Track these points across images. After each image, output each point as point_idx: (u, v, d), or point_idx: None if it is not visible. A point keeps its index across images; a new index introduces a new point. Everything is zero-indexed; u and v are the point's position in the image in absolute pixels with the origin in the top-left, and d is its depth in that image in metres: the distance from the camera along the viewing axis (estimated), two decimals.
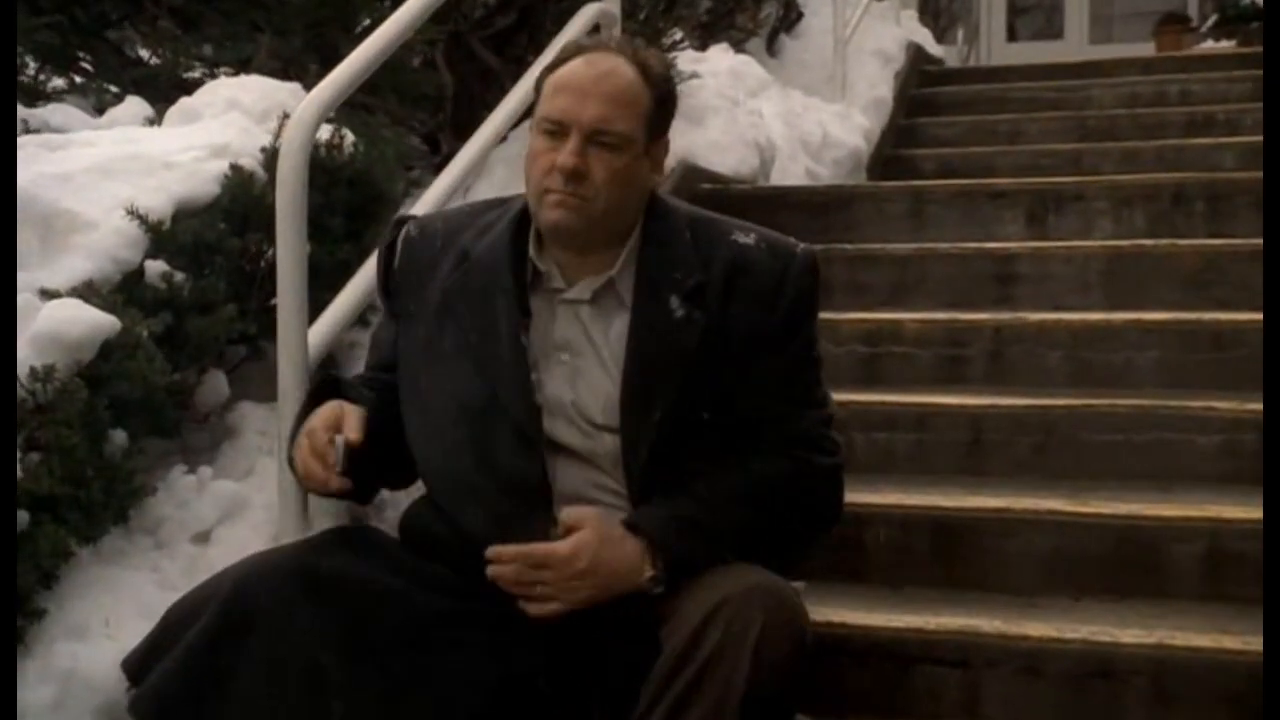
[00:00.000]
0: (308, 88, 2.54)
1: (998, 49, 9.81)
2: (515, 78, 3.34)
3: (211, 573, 1.88)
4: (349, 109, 3.01)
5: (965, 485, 2.59)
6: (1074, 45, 9.62)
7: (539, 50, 3.44)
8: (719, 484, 1.81)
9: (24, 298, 2.18)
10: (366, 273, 2.38)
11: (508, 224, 1.90)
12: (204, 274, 2.44)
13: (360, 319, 2.55)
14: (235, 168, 2.57)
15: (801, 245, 1.92)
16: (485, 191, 3.21)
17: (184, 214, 2.49)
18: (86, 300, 2.21)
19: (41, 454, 2.07)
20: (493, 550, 1.75)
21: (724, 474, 1.82)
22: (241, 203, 2.53)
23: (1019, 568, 2.41)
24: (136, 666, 1.77)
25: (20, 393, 2.06)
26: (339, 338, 2.47)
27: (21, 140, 2.64)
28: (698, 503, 1.79)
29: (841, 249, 3.52)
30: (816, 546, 1.96)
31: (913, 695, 2.18)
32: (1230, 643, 2.07)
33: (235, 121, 2.78)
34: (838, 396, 2.06)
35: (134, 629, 1.95)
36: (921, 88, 6.41)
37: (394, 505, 2.34)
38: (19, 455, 2.02)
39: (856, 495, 2.26)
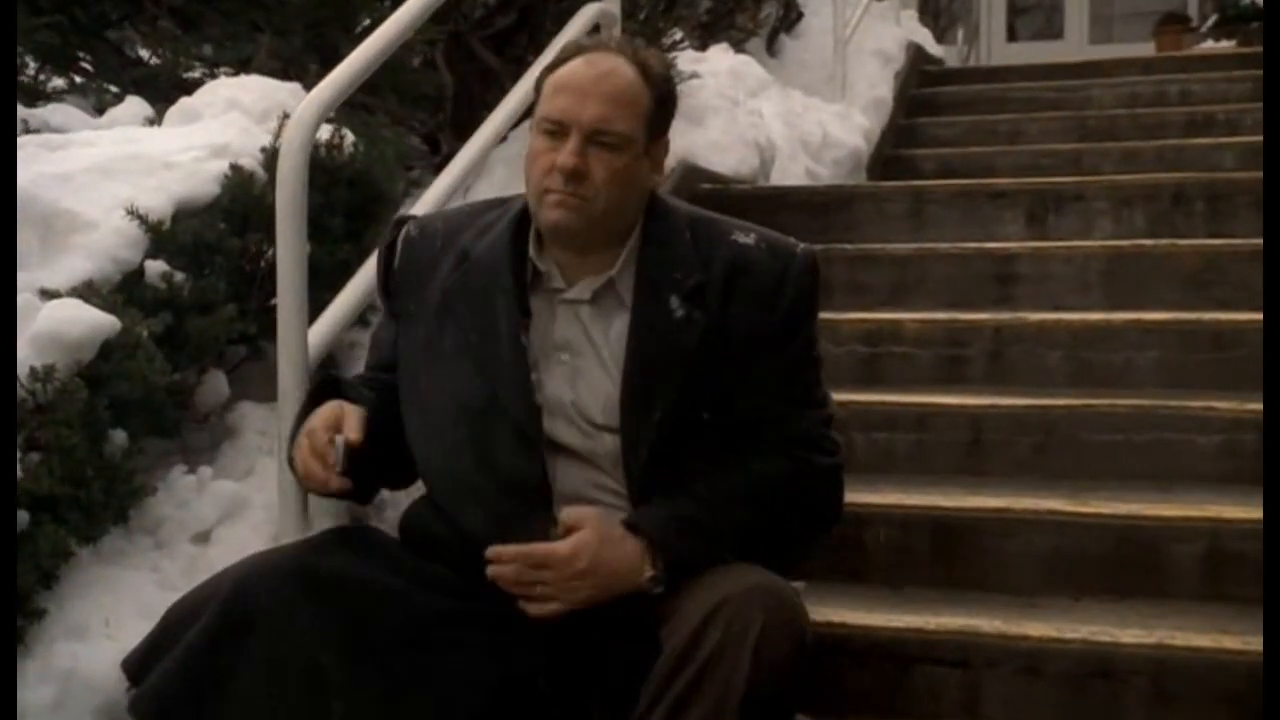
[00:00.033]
0: (308, 88, 2.54)
1: (998, 49, 9.80)
2: (515, 78, 3.34)
3: (211, 573, 1.88)
4: (349, 109, 3.00)
5: (965, 485, 2.59)
6: (1074, 45, 9.62)
7: (539, 50, 3.44)
8: (719, 484, 1.81)
9: (24, 298, 2.18)
10: (366, 273, 2.38)
11: (508, 224, 1.89)
12: (204, 274, 2.44)
13: (360, 319, 2.55)
14: (235, 168, 2.57)
15: (801, 245, 1.92)
16: (485, 191, 3.21)
17: (184, 214, 2.49)
18: (86, 300, 2.21)
19: (41, 454, 2.07)
20: (493, 550, 1.75)
21: (724, 474, 1.82)
22: (241, 203, 2.53)
23: (1019, 568, 2.41)
24: (136, 666, 1.77)
25: (20, 393, 2.06)
26: (339, 338, 2.47)
27: (21, 140, 2.64)
28: (698, 503, 1.79)
29: (841, 249, 3.52)
30: (816, 546, 1.96)
31: (913, 695, 2.18)
32: (1230, 643, 2.07)
33: (235, 121, 2.78)
34: (838, 396, 2.06)
35: (134, 629, 1.94)
36: (921, 88, 6.41)
37: (394, 505, 2.34)
38: (19, 455, 2.02)
39: (856, 495, 2.26)
